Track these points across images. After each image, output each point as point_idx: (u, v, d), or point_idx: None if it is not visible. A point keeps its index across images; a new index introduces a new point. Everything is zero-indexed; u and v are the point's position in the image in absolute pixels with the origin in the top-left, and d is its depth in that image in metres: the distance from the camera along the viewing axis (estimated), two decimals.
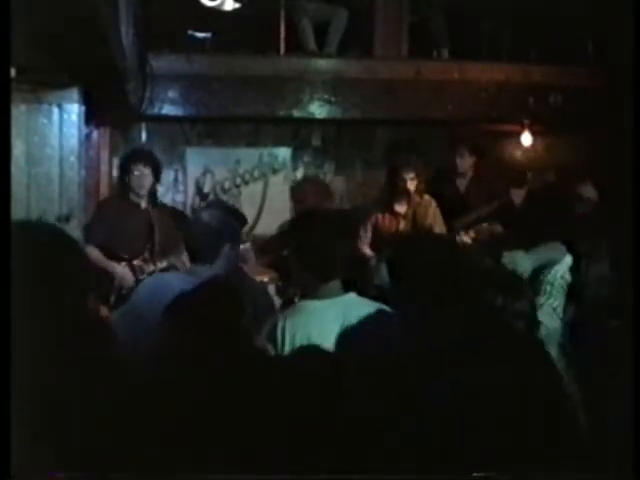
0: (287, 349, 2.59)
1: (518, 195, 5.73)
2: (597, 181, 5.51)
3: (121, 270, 4.99)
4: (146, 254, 5.08)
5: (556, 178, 6.61)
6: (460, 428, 1.96)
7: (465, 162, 6.00)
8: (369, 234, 5.52)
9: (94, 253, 4.91)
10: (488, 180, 6.03)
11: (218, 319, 2.22)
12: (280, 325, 2.66)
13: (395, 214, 5.52)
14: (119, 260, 5.06)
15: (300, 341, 2.58)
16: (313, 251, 2.70)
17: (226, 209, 3.40)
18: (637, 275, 2.75)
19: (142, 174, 5.10)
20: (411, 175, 5.43)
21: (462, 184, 6.05)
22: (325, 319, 2.65)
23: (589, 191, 5.60)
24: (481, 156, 6.06)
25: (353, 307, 2.71)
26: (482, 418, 1.99)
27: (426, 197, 5.58)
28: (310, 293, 2.75)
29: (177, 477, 0.96)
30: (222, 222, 3.24)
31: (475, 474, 1.70)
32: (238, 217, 3.37)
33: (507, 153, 7.02)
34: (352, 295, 2.77)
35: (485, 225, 5.25)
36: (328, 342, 2.56)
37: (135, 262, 5.05)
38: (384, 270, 3.60)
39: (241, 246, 3.71)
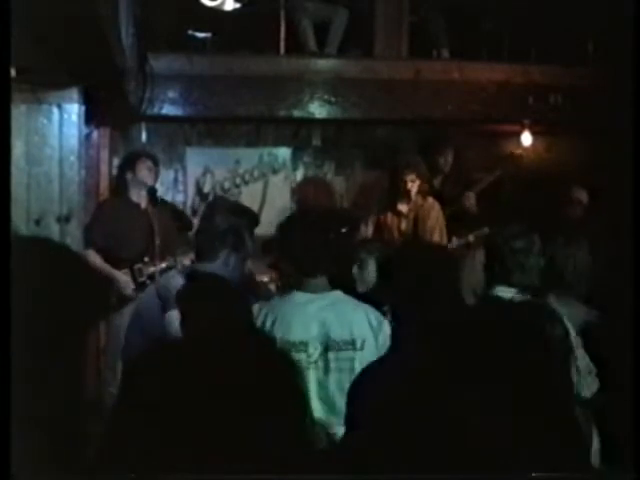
0: (265, 332, 2.72)
1: (469, 197, 5.90)
2: (591, 181, 5.57)
3: (122, 278, 4.99)
4: (146, 256, 5.08)
5: (552, 177, 6.60)
6: (458, 428, 1.96)
7: (447, 162, 6.11)
8: (370, 233, 5.54)
9: (95, 259, 4.92)
10: (461, 176, 6.15)
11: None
12: (264, 311, 2.79)
13: (397, 213, 5.55)
14: (119, 262, 5.05)
15: (279, 327, 2.73)
16: (296, 248, 2.85)
17: (235, 210, 3.35)
18: (637, 275, 2.74)
19: (151, 167, 5.18)
20: (412, 177, 5.46)
21: (437, 182, 6.13)
22: (307, 312, 2.77)
23: (579, 192, 5.69)
24: (458, 157, 6.21)
25: (336, 305, 2.82)
26: (480, 417, 1.98)
27: (429, 199, 5.60)
28: (297, 285, 2.86)
29: (179, 477, 0.96)
30: (225, 226, 3.20)
31: (473, 475, 1.70)
32: (248, 217, 3.31)
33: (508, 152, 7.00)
34: (337, 293, 2.85)
35: (486, 229, 5.24)
36: (305, 334, 2.74)
37: (135, 266, 5.05)
38: (372, 268, 3.64)
39: None
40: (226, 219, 3.19)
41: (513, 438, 1.58)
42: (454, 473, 1.28)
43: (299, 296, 2.83)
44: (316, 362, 2.73)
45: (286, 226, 2.98)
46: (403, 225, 5.53)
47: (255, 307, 2.84)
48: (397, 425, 1.57)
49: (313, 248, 2.83)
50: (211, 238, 3.13)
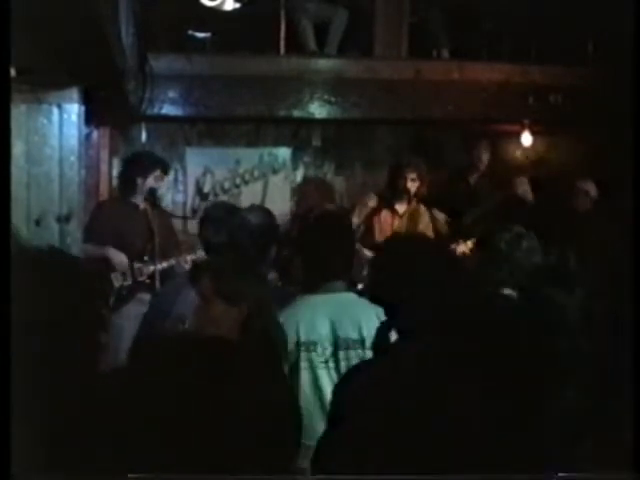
0: (279, 335, 2.72)
1: (522, 182, 5.85)
2: (597, 179, 5.57)
3: (116, 255, 4.96)
4: (146, 255, 5.07)
5: (557, 176, 6.62)
6: (459, 426, 1.96)
7: (486, 157, 6.22)
8: (361, 229, 5.53)
9: (87, 247, 4.88)
10: (494, 175, 6.24)
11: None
12: (278, 314, 2.78)
13: (393, 212, 5.55)
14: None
15: (288, 328, 2.71)
16: (316, 251, 2.90)
17: (266, 211, 3.48)
18: (637, 277, 2.74)
19: (160, 177, 5.16)
20: (412, 175, 5.46)
21: (472, 180, 6.26)
22: (316, 312, 2.81)
23: (589, 187, 5.68)
24: (493, 154, 6.34)
25: (345, 305, 2.83)
26: (479, 416, 1.98)
27: (422, 207, 5.60)
28: (311, 288, 2.90)
29: (180, 477, 0.96)
30: (270, 223, 3.32)
31: (475, 474, 1.70)
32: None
33: (509, 152, 7.04)
34: (350, 295, 2.86)
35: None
36: (315, 334, 2.77)
37: (135, 265, 5.04)
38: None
39: None
40: (267, 219, 3.30)
41: (513, 437, 1.57)
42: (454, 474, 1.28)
43: (311, 298, 2.88)
44: (327, 361, 2.76)
45: (308, 231, 3.07)
46: (396, 224, 5.53)
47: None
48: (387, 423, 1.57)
49: (335, 252, 2.89)
50: (262, 239, 3.23)
